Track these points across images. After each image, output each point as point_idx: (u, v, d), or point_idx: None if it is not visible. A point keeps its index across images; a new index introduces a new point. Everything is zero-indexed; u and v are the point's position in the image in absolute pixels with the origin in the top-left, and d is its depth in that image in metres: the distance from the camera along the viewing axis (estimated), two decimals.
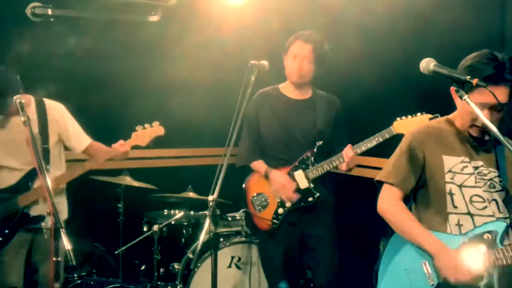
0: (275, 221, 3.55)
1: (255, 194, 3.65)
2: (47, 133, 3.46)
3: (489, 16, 3.53)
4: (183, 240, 4.26)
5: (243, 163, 3.71)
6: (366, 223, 3.36)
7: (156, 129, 3.59)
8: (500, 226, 2.43)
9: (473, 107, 2.27)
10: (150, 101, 4.70)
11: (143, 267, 4.26)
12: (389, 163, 2.64)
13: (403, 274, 2.53)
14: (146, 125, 3.57)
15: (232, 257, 3.97)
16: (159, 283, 4.08)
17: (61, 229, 2.57)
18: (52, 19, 4.26)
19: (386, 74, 4.01)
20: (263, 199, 3.61)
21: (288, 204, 3.54)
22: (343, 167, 3.43)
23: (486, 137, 2.54)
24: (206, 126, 5.09)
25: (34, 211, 3.43)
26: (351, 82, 4.24)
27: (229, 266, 3.97)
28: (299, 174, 3.52)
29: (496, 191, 2.52)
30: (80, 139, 3.60)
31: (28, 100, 3.46)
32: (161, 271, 4.15)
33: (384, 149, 3.06)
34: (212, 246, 3.13)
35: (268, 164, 3.60)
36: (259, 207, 3.61)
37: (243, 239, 4.02)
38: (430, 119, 3.08)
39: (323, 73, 3.61)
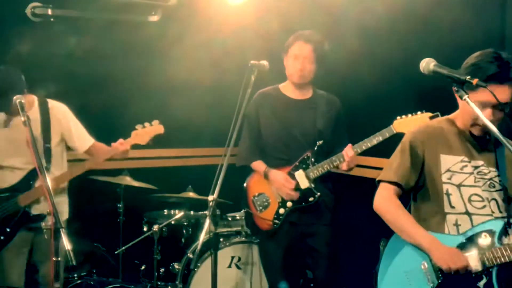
0: (276, 221, 3.55)
1: (256, 194, 3.65)
2: (49, 133, 3.47)
3: (489, 16, 3.53)
4: (183, 240, 4.25)
5: (243, 163, 3.71)
6: (366, 223, 3.35)
7: (155, 128, 3.59)
8: (498, 225, 2.43)
9: (473, 107, 2.27)
10: (150, 101, 4.69)
11: (143, 267, 4.26)
12: (390, 162, 2.64)
13: (402, 276, 2.53)
14: (146, 124, 3.58)
15: (232, 257, 3.98)
16: (159, 283, 4.08)
17: (61, 229, 2.58)
18: (52, 19, 4.26)
19: (386, 74, 4.01)
20: (264, 199, 3.61)
21: (289, 204, 3.53)
22: (344, 167, 3.43)
23: (488, 136, 2.54)
24: (206, 126, 5.09)
25: (35, 210, 3.44)
26: (351, 82, 4.24)
27: (229, 266, 3.97)
28: (299, 174, 3.52)
29: (496, 191, 2.52)
30: (83, 139, 3.60)
31: (31, 100, 3.47)
32: (161, 271, 4.14)
33: (384, 149, 3.06)
34: (212, 246, 3.13)
35: (268, 164, 3.60)
36: (260, 207, 3.61)
37: (243, 239, 4.03)
38: (431, 117, 3.07)
39: (323, 73, 3.62)
